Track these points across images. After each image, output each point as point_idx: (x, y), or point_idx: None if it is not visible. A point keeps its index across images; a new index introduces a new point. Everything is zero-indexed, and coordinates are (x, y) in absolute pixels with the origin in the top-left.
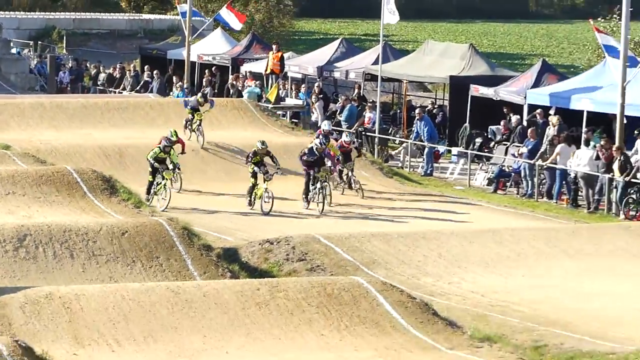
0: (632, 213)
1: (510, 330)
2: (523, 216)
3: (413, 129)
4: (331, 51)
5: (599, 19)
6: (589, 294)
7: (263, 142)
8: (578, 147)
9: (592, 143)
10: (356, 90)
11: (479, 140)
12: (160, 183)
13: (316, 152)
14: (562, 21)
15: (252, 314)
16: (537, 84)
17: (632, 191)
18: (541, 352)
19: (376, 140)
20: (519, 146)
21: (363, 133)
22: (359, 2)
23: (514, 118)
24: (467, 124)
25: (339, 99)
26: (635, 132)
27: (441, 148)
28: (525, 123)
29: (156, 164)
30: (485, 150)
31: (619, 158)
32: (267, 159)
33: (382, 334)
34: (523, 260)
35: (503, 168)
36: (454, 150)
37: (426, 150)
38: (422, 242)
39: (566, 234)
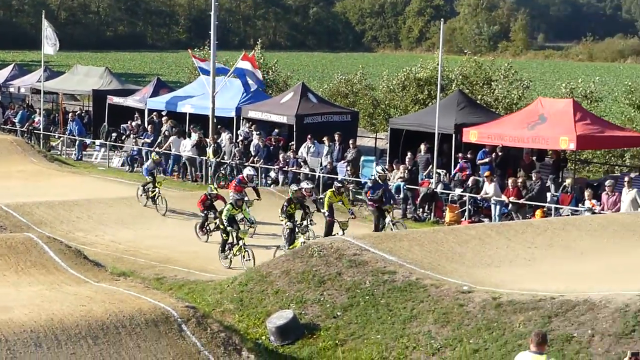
0: (222, 184)
1: (140, 267)
2: None
3: (68, 127)
4: (7, 72)
5: (196, 49)
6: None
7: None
8: (184, 138)
9: (193, 135)
10: (27, 101)
11: (114, 134)
12: (238, 244)
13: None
14: (171, 51)
15: None
16: (154, 94)
17: (221, 169)
18: (161, 282)
19: (41, 136)
20: (142, 138)
21: (33, 131)
22: (24, 39)
23: (139, 119)
24: (105, 123)
25: (14, 107)
26: (218, 127)
27: (88, 140)
28: (146, 122)
29: (229, 227)
30: (119, 142)
31: (212, 144)
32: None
33: (49, 273)
34: (151, 218)
35: (134, 155)
36: (97, 142)
37: (77, 142)
38: (76, 207)
39: (181, 197)
